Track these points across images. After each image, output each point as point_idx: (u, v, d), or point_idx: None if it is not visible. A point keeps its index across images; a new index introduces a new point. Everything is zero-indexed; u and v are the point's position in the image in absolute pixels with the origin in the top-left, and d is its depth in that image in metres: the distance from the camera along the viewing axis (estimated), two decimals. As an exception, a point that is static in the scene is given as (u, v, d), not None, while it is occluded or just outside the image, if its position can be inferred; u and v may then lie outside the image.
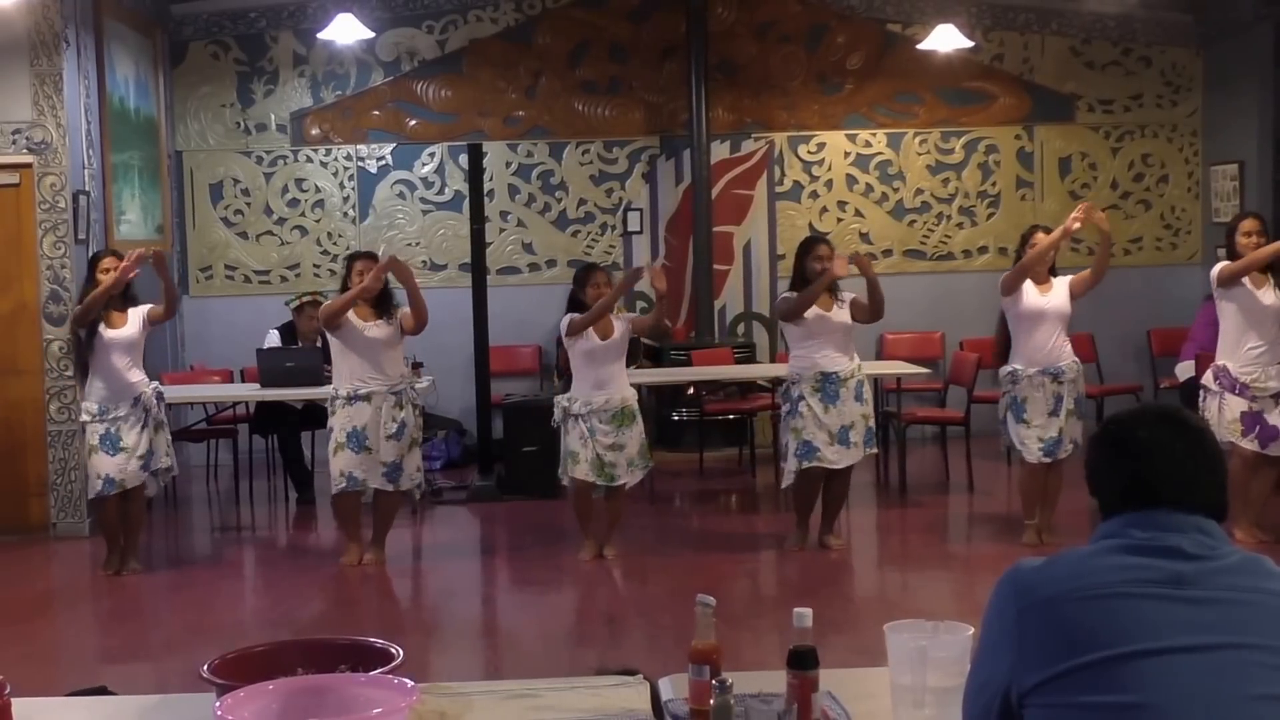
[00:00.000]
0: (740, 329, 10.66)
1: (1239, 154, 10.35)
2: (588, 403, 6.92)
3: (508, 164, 10.54)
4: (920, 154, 10.78)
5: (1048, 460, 6.95)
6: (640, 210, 10.57)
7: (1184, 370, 8.50)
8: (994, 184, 10.83)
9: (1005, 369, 7.04)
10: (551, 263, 10.58)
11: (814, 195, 10.73)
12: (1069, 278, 7.05)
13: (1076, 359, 7.07)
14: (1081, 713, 1.83)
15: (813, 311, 6.91)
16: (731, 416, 9.81)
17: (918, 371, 8.81)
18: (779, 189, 10.69)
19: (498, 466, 8.93)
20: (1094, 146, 10.87)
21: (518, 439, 8.70)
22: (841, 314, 6.98)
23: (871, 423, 7.17)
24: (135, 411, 6.94)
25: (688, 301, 10.54)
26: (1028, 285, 6.94)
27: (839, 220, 10.70)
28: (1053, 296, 6.97)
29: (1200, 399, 7.07)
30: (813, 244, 7.11)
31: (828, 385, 6.95)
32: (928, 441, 9.79)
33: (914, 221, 10.80)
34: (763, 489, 9.12)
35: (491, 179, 10.30)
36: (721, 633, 2.37)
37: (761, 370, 9.58)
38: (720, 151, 10.53)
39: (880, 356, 10.34)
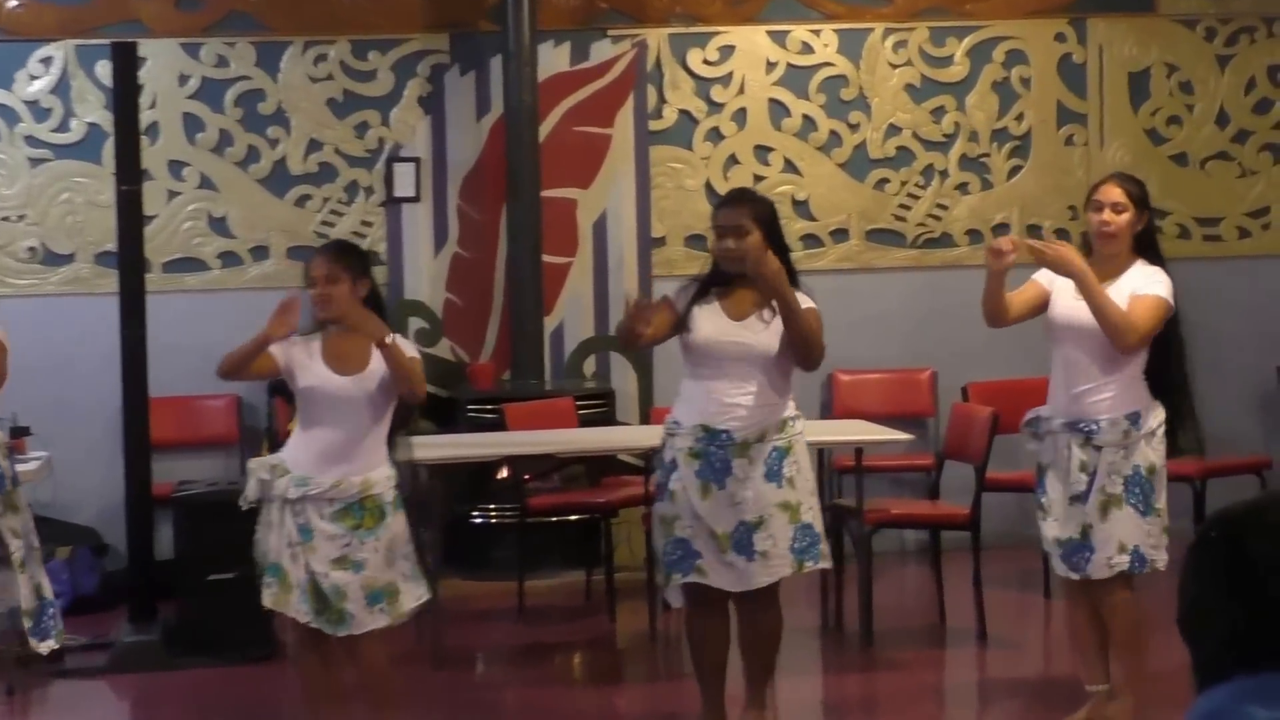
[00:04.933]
0: (589, 365, 10.80)
1: None
2: (303, 483, 6.85)
3: (183, 79, 10.60)
4: (896, 66, 10.98)
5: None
6: (416, 160, 10.70)
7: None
8: (1019, 118, 11.06)
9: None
10: (261, 251, 10.65)
11: (715, 136, 10.90)
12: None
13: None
14: None
15: (710, 325, 6.98)
16: (574, 518, 9.90)
17: (892, 438, 8.94)
18: (655, 125, 10.85)
19: (165, 609, 8.95)
20: (1187, 54, 11.15)
21: (202, 559, 8.72)
22: (759, 335, 7.00)
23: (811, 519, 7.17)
24: None
25: (498, 319, 10.68)
26: (1064, 287, 7.02)
27: (757, 179, 10.77)
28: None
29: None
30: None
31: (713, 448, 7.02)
32: (909, 556, 9.99)
33: (885, 181, 11.00)
34: (628, 641, 9.27)
35: (155, 105, 10.38)
36: None
37: (627, 436, 9.72)
38: (555, 60, 10.67)
39: (830, 413, 10.43)
